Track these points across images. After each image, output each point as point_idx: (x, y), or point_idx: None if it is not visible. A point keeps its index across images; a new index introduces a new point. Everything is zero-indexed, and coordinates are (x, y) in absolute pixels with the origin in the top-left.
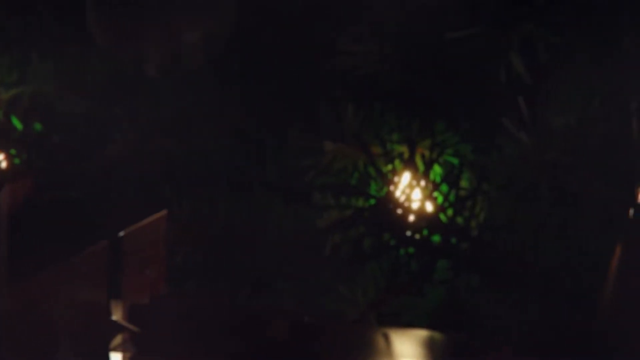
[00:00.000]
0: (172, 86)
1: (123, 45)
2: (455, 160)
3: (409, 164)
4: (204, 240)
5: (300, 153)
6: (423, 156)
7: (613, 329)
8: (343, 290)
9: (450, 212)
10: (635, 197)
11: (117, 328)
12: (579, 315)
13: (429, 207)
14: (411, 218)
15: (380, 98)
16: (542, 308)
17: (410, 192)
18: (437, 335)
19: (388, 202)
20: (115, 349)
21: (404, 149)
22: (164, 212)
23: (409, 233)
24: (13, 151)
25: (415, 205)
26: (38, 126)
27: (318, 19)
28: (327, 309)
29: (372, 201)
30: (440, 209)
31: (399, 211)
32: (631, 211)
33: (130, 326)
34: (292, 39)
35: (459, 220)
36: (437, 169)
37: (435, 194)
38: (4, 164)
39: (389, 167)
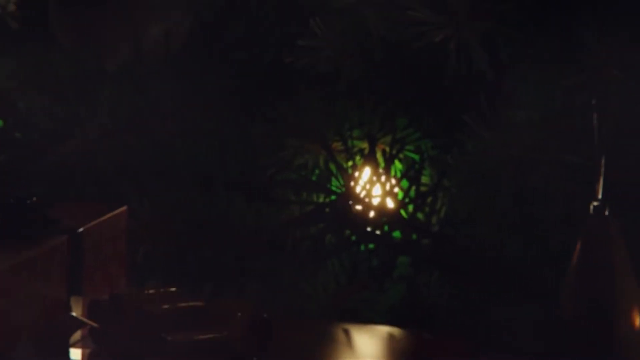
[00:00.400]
0: (132, 82)
1: (84, 42)
2: (416, 156)
3: (370, 160)
4: (165, 236)
5: (261, 149)
6: (384, 152)
7: (574, 324)
8: (304, 286)
9: (410, 208)
10: (597, 193)
11: (76, 324)
12: (541, 310)
13: (390, 203)
14: (372, 214)
15: (342, 94)
16: (504, 304)
17: (371, 188)
18: (397, 331)
19: (349, 198)
20: (75, 345)
21: (364, 145)
22: (123, 208)
23: (369, 229)
24: None
25: (376, 201)
26: (0, 122)
27: (278, 15)
28: (289, 305)
29: (333, 197)
30: (401, 204)
31: (360, 207)
32: (592, 207)
33: (90, 322)
34: (253, 35)
35: (420, 216)
36: (398, 165)
37: (396, 189)
38: None
39: (350, 163)
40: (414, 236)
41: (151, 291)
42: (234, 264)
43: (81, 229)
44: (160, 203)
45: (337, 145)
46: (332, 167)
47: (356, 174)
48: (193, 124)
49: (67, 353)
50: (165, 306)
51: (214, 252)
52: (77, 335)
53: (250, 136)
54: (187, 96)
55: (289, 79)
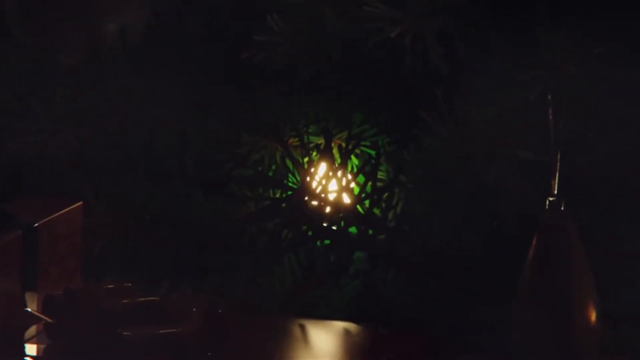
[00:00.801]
0: (89, 77)
1: (41, 38)
2: (372, 152)
3: (326, 155)
4: (121, 232)
5: (218, 145)
6: (340, 147)
7: (530, 319)
8: (261, 282)
9: (367, 203)
10: (552, 188)
11: (31, 319)
12: (498, 305)
13: (346, 198)
14: (328, 209)
15: (298, 90)
16: (460, 299)
17: (327, 183)
18: (353, 327)
19: (305, 194)
20: (30, 340)
21: (321, 141)
22: (79, 204)
23: (326, 224)
24: None
25: (332, 197)
26: None
27: (236, 11)
28: (245, 300)
29: (290, 193)
30: (357, 200)
31: (316, 203)
32: (548, 202)
33: (45, 317)
34: (210, 30)
35: (376, 211)
36: (354, 160)
37: (353, 185)
38: None
39: (306, 158)
40: (370, 232)
41: (106, 286)
42: (191, 260)
43: (37, 224)
44: (117, 198)
45: (294, 141)
46: (289, 162)
47: (312, 169)
48: (150, 120)
49: (22, 348)
50: (120, 301)
51: (172, 248)
52: (32, 330)
53: (207, 132)
54: (144, 92)
55: (246, 75)
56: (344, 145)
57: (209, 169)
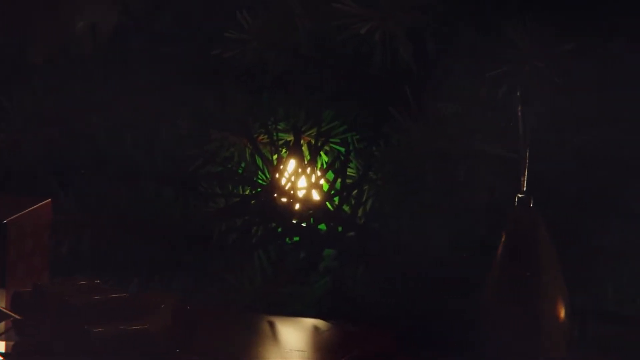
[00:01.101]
0: (59, 75)
1: (10, 35)
2: (342, 149)
3: (295, 152)
4: (91, 229)
5: (187, 142)
6: (309, 144)
7: (499, 315)
8: (230, 279)
9: (336, 200)
10: (521, 185)
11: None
12: (467, 302)
13: (316, 195)
14: (297, 206)
15: (268, 87)
16: (429, 296)
17: (297, 180)
18: (322, 323)
19: (274, 191)
20: None
21: (290, 137)
22: (48, 201)
23: (295, 221)
24: None
25: (301, 194)
26: None
27: (206, 8)
28: (215, 297)
29: (259, 190)
30: (326, 197)
31: (285, 199)
32: (517, 198)
33: (13, 314)
34: (180, 27)
35: (346, 208)
36: (323, 157)
37: (322, 182)
38: None
39: (275, 155)
40: (340, 229)
41: (74, 283)
42: (161, 257)
43: (5, 221)
44: (87, 196)
45: (263, 138)
46: (258, 159)
47: (282, 166)
48: (120, 117)
49: None
50: (89, 298)
51: (141, 245)
52: (0, 327)
53: (177, 129)
54: (113, 89)
55: (216, 72)
56: (313, 142)
57: (178, 166)
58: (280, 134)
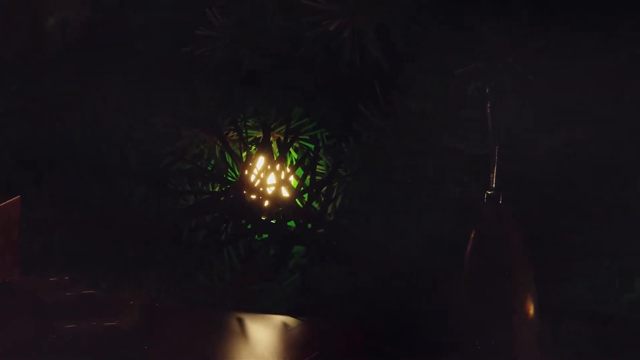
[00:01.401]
0: (30, 71)
1: None
2: (311, 146)
3: (265, 149)
4: (63, 226)
5: (159, 139)
6: (279, 141)
7: (469, 312)
8: (200, 275)
9: (306, 197)
10: (491, 182)
11: None
12: (438, 299)
13: (285, 192)
14: (267, 203)
15: (238, 84)
16: (398, 293)
17: (266, 177)
18: (291, 320)
19: (244, 188)
20: None
21: (259, 135)
22: (17, 197)
23: (264, 218)
24: None
25: (271, 190)
26: None
27: (177, 5)
28: (184, 293)
29: (228, 187)
30: (296, 193)
31: (255, 196)
32: (486, 195)
33: None
34: (151, 24)
35: (315, 205)
36: (293, 154)
37: (291, 178)
38: None
39: (245, 152)
40: (309, 225)
41: (45, 280)
42: (132, 254)
43: None
44: (59, 192)
45: (232, 135)
46: (228, 157)
47: (251, 163)
48: (92, 114)
49: None
50: (59, 294)
51: (113, 242)
52: None
53: (149, 126)
54: (86, 86)
55: (187, 69)
56: (282, 138)
57: (151, 163)
58: (249, 131)
